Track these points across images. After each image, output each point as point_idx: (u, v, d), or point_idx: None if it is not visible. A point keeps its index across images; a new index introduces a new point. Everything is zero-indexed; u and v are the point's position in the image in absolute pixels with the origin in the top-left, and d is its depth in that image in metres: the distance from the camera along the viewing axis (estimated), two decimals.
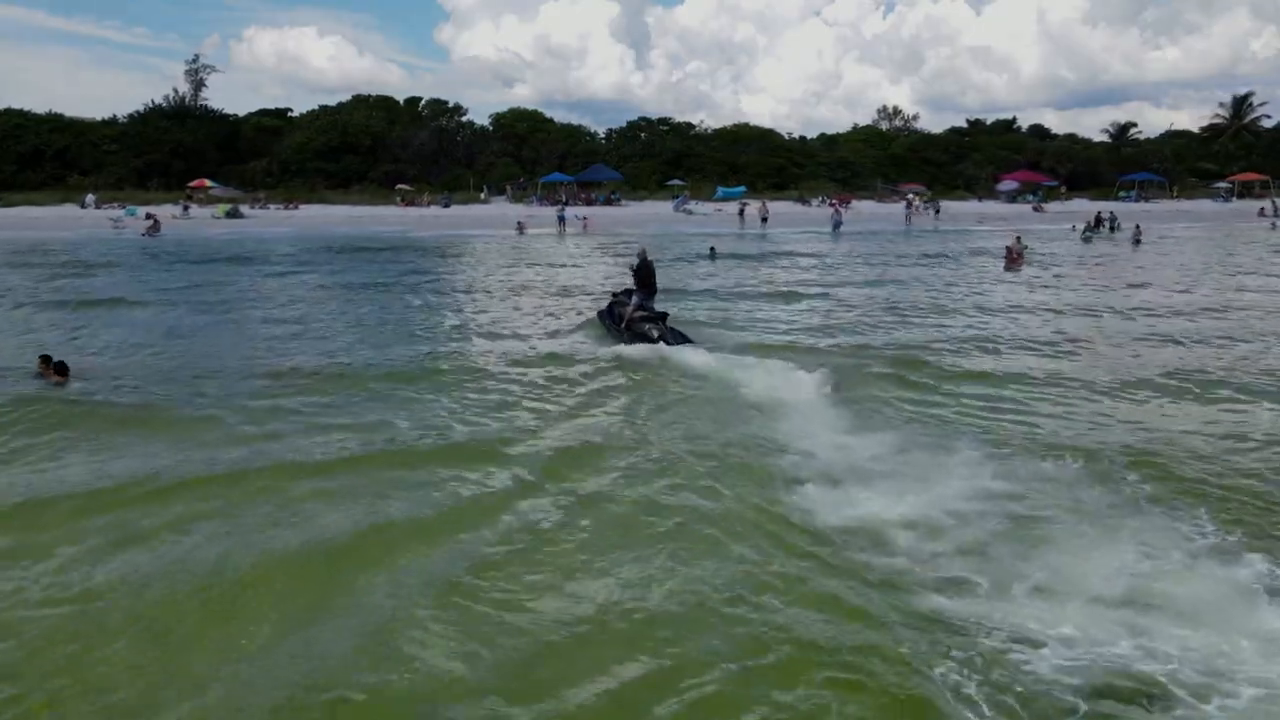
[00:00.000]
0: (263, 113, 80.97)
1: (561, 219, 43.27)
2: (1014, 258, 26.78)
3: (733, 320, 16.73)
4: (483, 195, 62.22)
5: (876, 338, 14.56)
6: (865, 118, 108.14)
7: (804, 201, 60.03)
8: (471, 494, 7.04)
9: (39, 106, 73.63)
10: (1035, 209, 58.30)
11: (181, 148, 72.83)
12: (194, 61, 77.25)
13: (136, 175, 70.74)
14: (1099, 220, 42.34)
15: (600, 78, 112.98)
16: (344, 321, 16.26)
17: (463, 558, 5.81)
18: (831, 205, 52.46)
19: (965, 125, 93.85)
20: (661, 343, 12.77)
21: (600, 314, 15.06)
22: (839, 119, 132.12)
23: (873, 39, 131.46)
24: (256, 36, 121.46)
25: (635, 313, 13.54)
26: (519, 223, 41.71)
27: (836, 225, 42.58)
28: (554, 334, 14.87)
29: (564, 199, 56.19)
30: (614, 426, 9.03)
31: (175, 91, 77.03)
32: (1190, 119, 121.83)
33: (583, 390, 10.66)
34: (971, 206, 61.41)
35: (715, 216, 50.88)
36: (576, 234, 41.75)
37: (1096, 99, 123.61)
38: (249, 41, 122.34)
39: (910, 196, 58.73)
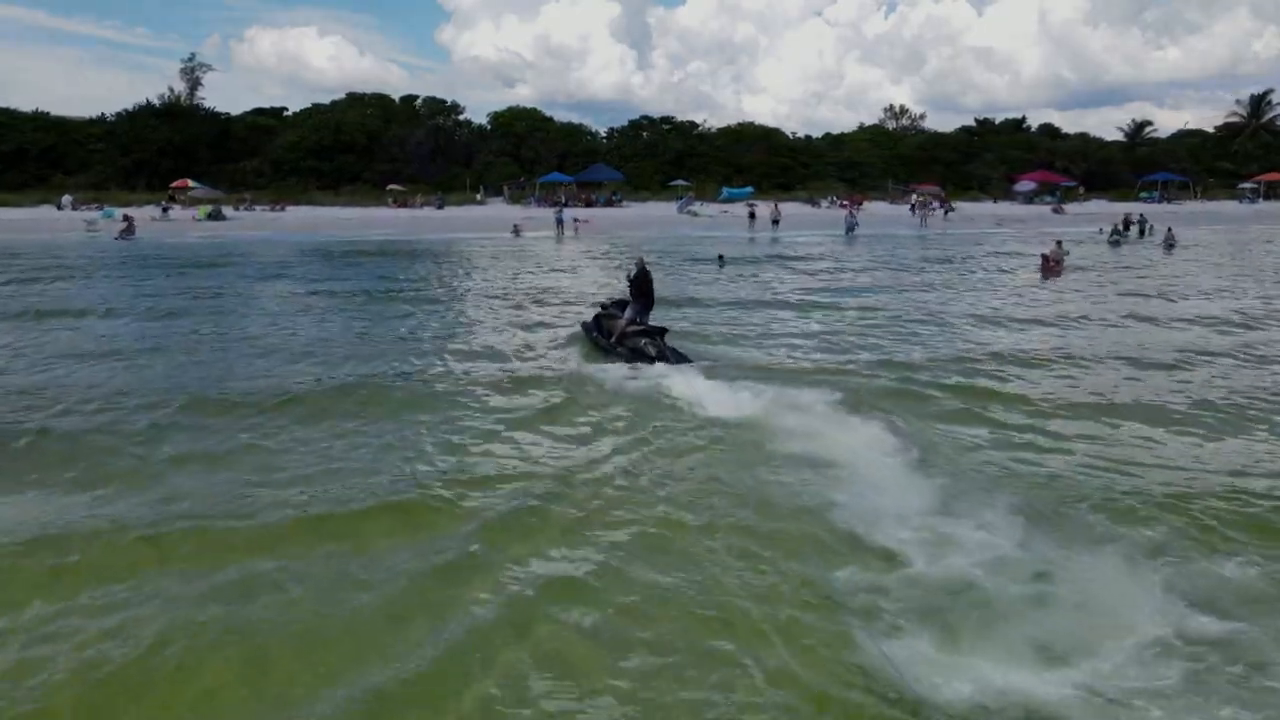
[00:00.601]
0: (257, 111, 78.92)
1: (560, 221, 41.06)
2: (1051, 265, 24.57)
3: (745, 335, 14.56)
4: (479, 196, 60.01)
5: (915, 354, 12.40)
6: (867, 118, 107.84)
7: (813, 202, 57.80)
8: (396, 579, 5.13)
9: (40, 107, 72.02)
10: (1055, 210, 56.05)
11: (170, 147, 70.79)
12: (190, 60, 75.15)
13: (123, 175, 68.79)
14: (1127, 223, 40.06)
15: (601, 78, 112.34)
16: (302, 340, 14.07)
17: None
18: (842, 206, 50.31)
19: (974, 124, 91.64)
20: (659, 362, 11.03)
21: (585, 327, 13.28)
22: (840, 119, 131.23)
23: (874, 39, 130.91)
24: (257, 37, 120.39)
25: (630, 327, 11.80)
26: (515, 226, 39.52)
27: (850, 228, 40.35)
28: (536, 352, 12.94)
29: (563, 200, 54.03)
30: (594, 482, 6.94)
31: (171, 91, 74.94)
32: (1195, 119, 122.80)
33: (561, 427, 8.70)
34: (986, 208, 59.22)
35: (721, 218, 48.67)
36: (576, 236, 39.60)
37: (1098, 99, 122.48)
38: (250, 42, 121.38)
39: (915, 196, 56.42)
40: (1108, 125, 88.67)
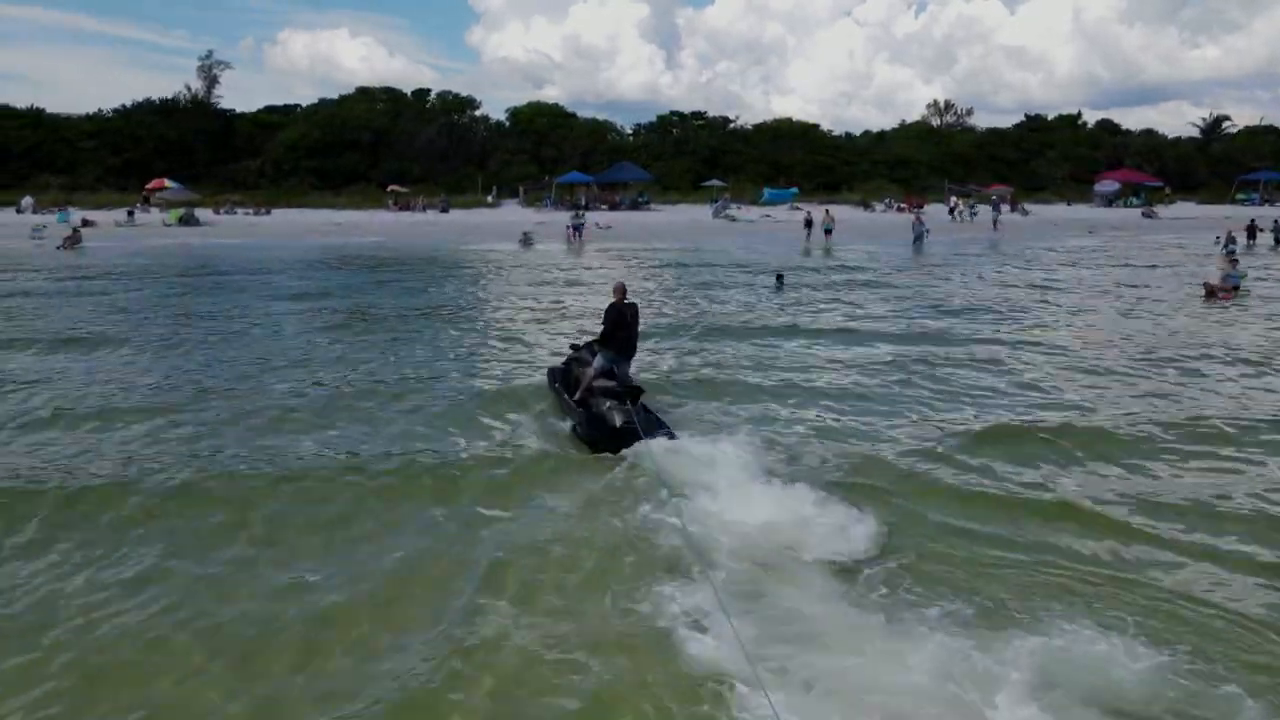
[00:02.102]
0: (268, 109, 74.02)
1: (577, 227, 35.09)
2: (1218, 290, 18.42)
3: (794, 388, 10.55)
4: (490, 198, 54.10)
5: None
6: (897, 119, 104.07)
7: (866, 206, 51.13)
8: None
9: (77, 109, 68.60)
10: (1146, 215, 49.05)
11: (165, 145, 66.15)
12: (207, 58, 70.61)
13: (114, 175, 64.21)
14: (1253, 229, 33.33)
15: (629, 78, 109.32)
16: (129, 397, 8.49)
17: None
18: (900, 210, 43.85)
19: (1024, 120, 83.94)
20: (628, 435, 8.06)
21: (551, 374, 10.41)
22: (870, 119, 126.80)
23: (904, 38, 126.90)
24: (290, 39, 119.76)
25: (596, 381, 9.01)
26: (524, 234, 33.58)
27: (919, 237, 33.93)
28: (487, 413, 9.62)
29: (583, 202, 48.07)
30: None
31: (188, 89, 70.61)
32: (1237, 118, 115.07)
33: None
34: (1058, 210, 52.35)
35: (763, 224, 42.49)
36: (589, 239, 33.69)
37: (1133, 98, 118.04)
38: (282, 44, 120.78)
39: (954, 200, 49.47)
40: (1146, 124, 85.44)
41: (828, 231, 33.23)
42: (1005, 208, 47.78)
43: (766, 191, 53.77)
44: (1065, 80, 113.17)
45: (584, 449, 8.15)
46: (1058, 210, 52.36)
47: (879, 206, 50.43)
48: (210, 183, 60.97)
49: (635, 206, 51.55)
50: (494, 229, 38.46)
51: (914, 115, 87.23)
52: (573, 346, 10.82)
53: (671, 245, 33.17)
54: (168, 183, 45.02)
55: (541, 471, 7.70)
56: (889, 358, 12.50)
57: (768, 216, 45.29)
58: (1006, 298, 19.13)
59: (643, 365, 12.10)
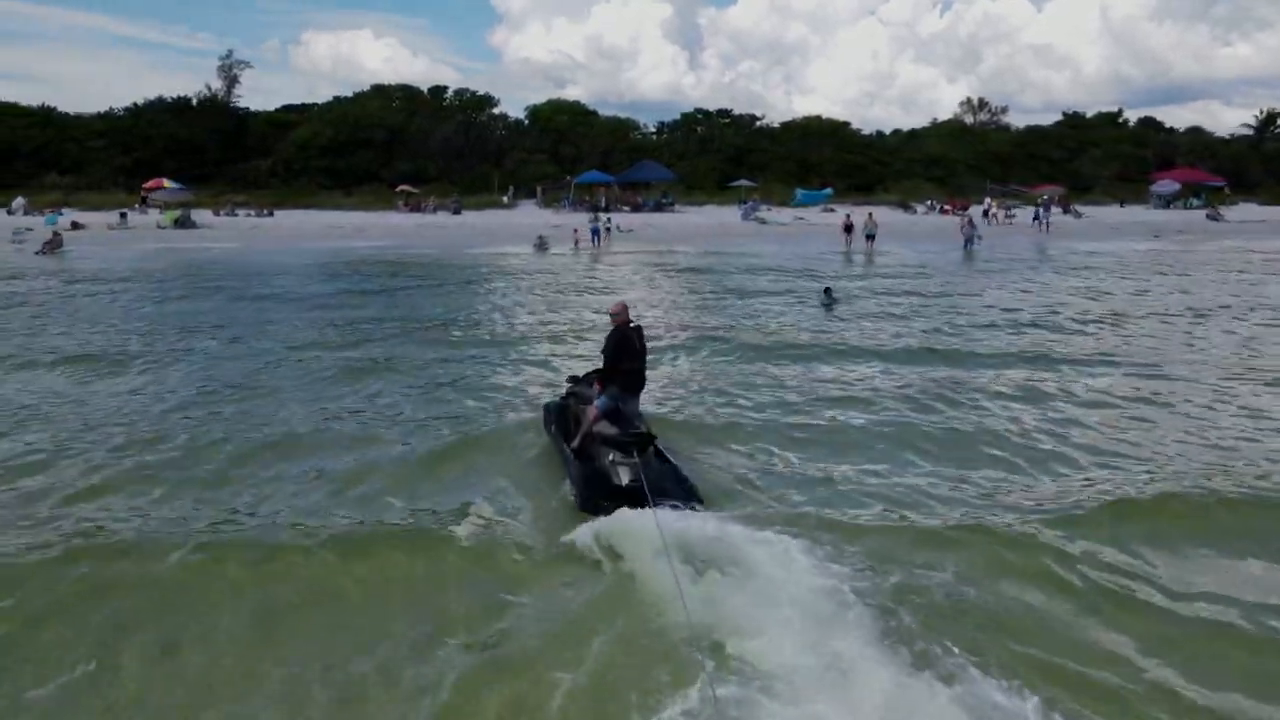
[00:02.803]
0: (287, 108, 72.12)
1: (595, 231, 32.44)
2: None
3: (885, 432, 8.16)
4: (506, 199, 51.53)
5: None
6: (918, 119, 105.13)
7: (906, 208, 47.97)
8: None
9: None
10: (1210, 217, 45.53)
11: (176, 144, 64.37)
12: (227, 57, 69.01)
13: (123, 175, 62.51)
14: None
15: (652, 78, 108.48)
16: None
17: None
18: (943, 212, 40.78)
19: (1061, 118, 79.98)
20: (634, 496, 6.08)
21: (547, 413, 8.35)
22: (893, 119, 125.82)
23: (929, 38, 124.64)
24: (313, 40, 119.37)
25: (596, 425, 7.02)
26: (540, 238, 30.96)
27: (969, 241, 30.98)
28: (463, 468, 7.49)
29: (603, 203, 45.40)
30: None
31: (208, 88, 69.06)
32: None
33: None
34: (1114, 213, 48.95)
35: (796, 227, 39.59)
36: (607, 243, 31.03)
37: (1162, 97, 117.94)
38: (306, 45, 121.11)
39: (988, 202, 46.11)
40: (1177, 123, 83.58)
41: (870, 237, 30.23)
42: (1055, 209, 44.51)
43: (799, 193, 50.74)
44: (1093, 79, 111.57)
45: (581, 518, 6.25)
46: (1110, 212, 48.96)
47: (919, 208, 47.27)
48: (219, 183, 59.20)
49: (659, 208, 48.79)
50: (508, 232, 35.88)
51: (940, 115, 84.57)
52: (571, 379, 8.98)
53: (699, 250, 30.40)
54: (166, 182, 42.84)
55: (521, 568, 5.65)
56: (976, 394, 9.71)
57: (800, 219, 42.36)
58: (1098, 312, 16.15)
59: (663, 396, 9.82)
